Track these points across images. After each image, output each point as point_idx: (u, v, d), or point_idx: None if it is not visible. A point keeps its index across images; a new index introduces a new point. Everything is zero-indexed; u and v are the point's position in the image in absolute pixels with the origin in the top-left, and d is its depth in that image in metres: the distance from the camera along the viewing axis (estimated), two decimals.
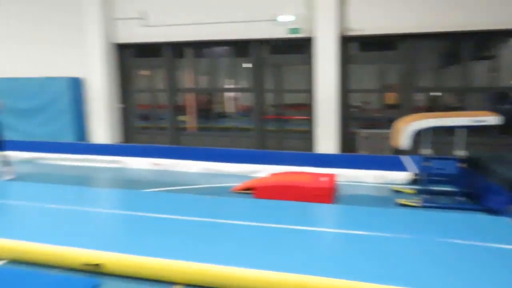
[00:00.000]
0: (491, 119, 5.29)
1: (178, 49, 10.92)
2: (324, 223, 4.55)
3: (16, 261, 3.53)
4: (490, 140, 8.83)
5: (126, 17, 10.66)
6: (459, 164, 5.47)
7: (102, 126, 10.66)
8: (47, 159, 8.73)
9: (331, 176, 6.00)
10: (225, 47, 11.00)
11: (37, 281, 3.04)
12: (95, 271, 3.28)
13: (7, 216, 4.49)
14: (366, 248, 3.52)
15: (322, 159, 7.61)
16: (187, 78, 12.00)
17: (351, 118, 10.34)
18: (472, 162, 5.72)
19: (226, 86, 13.78)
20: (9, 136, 11.65)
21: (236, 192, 6.06)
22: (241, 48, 10.62)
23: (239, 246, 3.54)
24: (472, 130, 8.03)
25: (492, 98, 9.37)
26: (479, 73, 10.99)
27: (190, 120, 11.90)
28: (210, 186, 6.68)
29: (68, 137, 10.81)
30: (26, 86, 11.06)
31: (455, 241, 3.67)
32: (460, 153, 5.46)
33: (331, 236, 3.99)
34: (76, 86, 10.86)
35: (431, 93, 10.10)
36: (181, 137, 11.14)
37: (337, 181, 6.27)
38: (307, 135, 9.68)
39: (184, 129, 11.68)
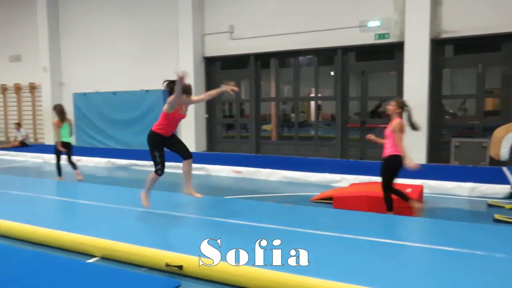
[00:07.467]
0: None
1: (263, 59, 11.15)
2: (408, 237, 4.26)
3: (107, 259, 3.86)
4: None
5: (215, 31, 11.19)
6: None
7: (189, 134, 11.18)
8: (142, 165, 9.44)
9: (416, 187, 5.62)
10: (309, 56, 10.97)
11: (124, 279, 3.31)
12: (177, 272, 3.45)
13: (100, 216, 4.92)
14: (455, 266, 3.22)
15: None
16: (271, 88, 12.21)
17: (444, 126, 9.62)
18: None
19: (310, 95, 13.75)
20: (110, 144, 12.86)
21: (316, 202, 5.98)
22: (325, 56, 10.52)
23: (318, 256, 3.42)
24: None
25: None
26: None
27: (272, 129, 12.06)
28: (290, 195, 6.68)
29: None
30: (126, 98, 12.23)
31: None
32: None
33: (416, 251, 3.72)
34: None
35: None
36: (263, 146, 11.30)
37: (424, 192, 5.85)
38: None
39: (267, 138, 11.87)
